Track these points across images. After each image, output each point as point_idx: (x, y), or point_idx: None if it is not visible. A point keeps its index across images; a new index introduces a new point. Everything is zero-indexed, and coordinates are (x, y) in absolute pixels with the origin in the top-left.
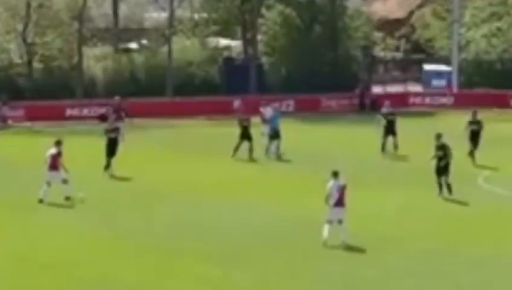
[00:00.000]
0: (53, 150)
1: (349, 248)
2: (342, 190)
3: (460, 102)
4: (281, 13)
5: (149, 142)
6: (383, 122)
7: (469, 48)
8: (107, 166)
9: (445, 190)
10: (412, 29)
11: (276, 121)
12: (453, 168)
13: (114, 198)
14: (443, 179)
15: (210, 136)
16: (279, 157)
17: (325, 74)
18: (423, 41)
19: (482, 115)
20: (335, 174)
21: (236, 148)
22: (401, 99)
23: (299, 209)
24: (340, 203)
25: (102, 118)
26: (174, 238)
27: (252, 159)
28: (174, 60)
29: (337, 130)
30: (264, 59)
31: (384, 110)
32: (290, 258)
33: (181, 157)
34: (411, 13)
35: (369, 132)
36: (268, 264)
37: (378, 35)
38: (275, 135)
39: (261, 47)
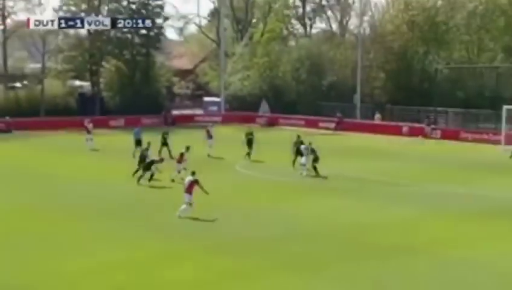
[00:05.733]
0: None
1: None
2: (189, 182)
3: (226, 120)
4: (115, 65)
5: None
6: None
7: (230, 87)
8: None
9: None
10: (196, 76)
11: (139, 134)
12: (219, 160)
13: None
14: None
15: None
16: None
17: (144, 102)
18: (203, 83)
19: (241, 128)
20: (192, 173)
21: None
22: (190, 118)
23: None
24: (187, 190)
25: None
26: None
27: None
28: (45, 94)
29: (152, 138)
30: (105, 94)
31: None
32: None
33: None
34: (196, 66)
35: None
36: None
37: (176, 79)
38: (137, 144)
39: (102, 86)
